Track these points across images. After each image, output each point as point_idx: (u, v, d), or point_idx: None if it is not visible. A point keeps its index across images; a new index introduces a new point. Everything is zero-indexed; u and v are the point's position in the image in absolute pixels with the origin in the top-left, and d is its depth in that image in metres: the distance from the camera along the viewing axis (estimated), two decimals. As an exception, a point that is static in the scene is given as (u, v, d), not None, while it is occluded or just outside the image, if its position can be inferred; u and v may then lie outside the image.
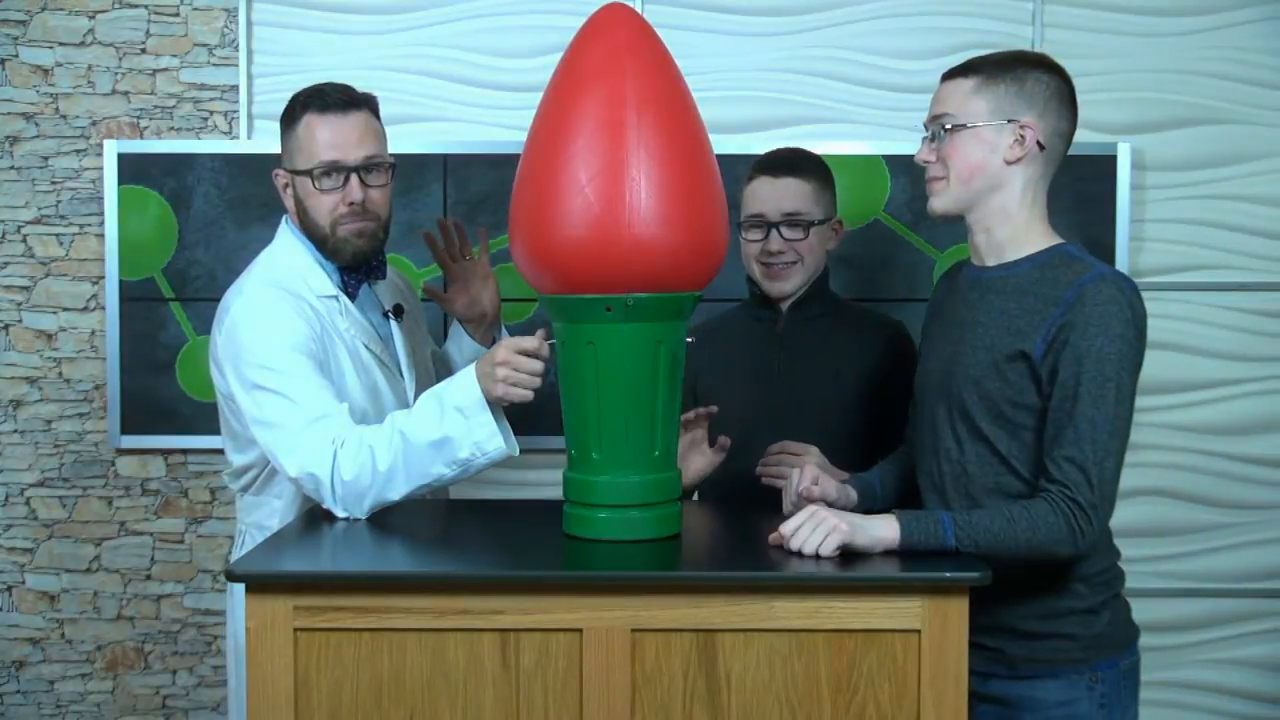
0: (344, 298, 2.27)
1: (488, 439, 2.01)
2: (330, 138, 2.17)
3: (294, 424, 2.08)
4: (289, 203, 2.27)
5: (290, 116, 2.23)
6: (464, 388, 2.02)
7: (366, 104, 2.23)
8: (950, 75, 1.98)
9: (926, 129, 2.00)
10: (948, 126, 1.93)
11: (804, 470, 2.01)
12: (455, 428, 2.01)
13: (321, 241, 2.23)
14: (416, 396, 2.29)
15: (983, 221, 1.96)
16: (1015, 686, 1.96)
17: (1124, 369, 1.83)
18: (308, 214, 2.22)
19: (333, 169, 2.18)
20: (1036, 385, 1.87)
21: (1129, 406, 1.85)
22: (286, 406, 2.09)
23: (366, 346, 2.27)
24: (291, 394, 2.10)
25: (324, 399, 2.10)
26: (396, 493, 2.05)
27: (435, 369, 2.49)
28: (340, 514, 2.07)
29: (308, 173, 2.19)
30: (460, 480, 2.09)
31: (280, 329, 2.15)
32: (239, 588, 2.08)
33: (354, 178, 2.18)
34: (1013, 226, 1.95)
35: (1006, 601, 1.92)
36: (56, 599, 3.14)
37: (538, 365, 1.98)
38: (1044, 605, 1.93)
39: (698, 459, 2.26)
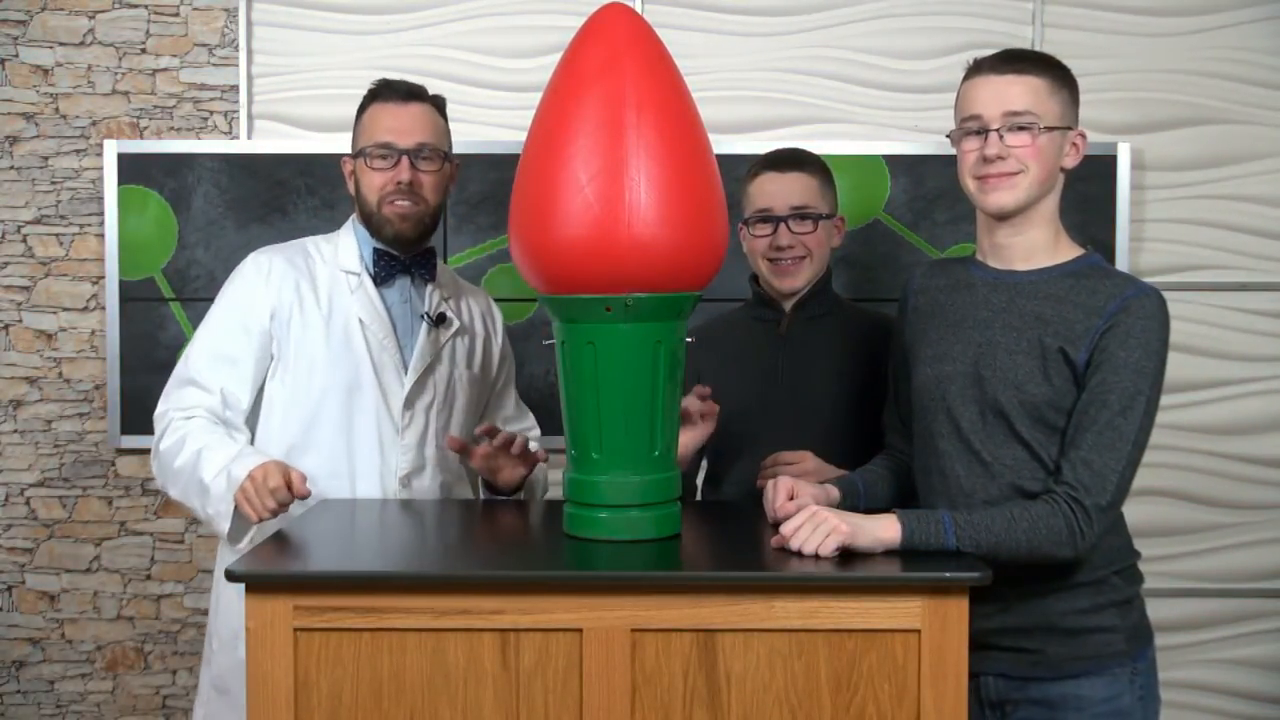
0: (367, 278, 2.31)
1: (218, 516, 2.13)
2: (388, 122, 2.27)
3: (181, 372, 2.28)
4: (351, 188, 2.36)
5: (361, 109, 2.34)
6: (239, 466, 2.09)
7: (432, 101, 2.33)
8: (1004, 70, 1.92)
9: (972, 122, 1.93)
10: (1041, 127, 1.90)
11: (777, 487, 1.95)
12: (217, 488, 2.12)
13: (368, 218, 2.31)
14: (431, 408, 2.33)
15: (1029, 222, 1.95)
16: (1057, 687, 1.93)
17: (1154, 385, 1.86)
18: (360, 192, 2.31)
19: (386, 149, 2.26)
20: (1080, 391, 1.87)
21: (1151, 420, 1.87)
22: (192, 354, 2.28)
23: (367, 328, 2.29)
24: (202, 347, 2.27)
25: (220, 372, 2.24)
26: (173, 492, 2.23)
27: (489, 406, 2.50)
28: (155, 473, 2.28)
29: (363, 152, 2.28)
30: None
31: (244, 293, 2.29)
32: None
33: (404, 159, 2.26)
34: (1050, 231, 1.96)
35: (1044, 601, 1.91)
36: (56, 599, 3.14)
37: (272, 503, 2.04)
38: (1085, 600, 1.92)
39: (681, 436, 2.10)
